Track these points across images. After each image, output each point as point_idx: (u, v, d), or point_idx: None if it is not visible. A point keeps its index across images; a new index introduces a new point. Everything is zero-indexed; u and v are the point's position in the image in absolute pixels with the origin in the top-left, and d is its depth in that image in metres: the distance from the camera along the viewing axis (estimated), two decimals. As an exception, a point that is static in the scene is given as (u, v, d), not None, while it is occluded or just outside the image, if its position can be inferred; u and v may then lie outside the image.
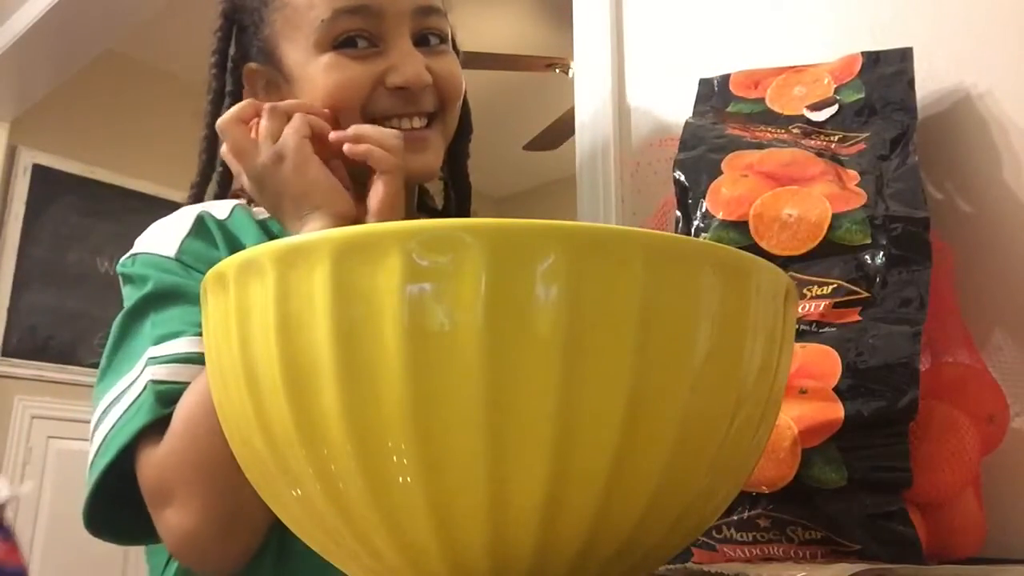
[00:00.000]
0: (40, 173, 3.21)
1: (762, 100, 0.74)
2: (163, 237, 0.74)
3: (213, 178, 0.83)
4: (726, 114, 0.73)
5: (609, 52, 1.06)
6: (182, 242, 0.73)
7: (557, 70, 3.13)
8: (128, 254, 0.75)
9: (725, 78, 0.77)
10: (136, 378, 0.67)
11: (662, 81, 1.01)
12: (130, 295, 0.72)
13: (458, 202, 0.91)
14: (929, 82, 0.77)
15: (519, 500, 0.33)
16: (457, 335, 0.32)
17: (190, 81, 3.41)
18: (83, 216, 3.28)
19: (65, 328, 3.14)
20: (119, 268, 0.76)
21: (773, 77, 0.75)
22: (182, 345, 0.66)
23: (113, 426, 0.66)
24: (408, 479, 0.33)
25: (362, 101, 0.73)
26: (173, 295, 0.70)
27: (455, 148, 0.87)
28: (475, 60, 2.93)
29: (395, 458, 0.33)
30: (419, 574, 0.36)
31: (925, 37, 0.78)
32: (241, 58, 0.80)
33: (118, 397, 0.67)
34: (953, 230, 0.73)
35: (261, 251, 0.35)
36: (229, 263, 0.37)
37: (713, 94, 0.77)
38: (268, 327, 0.35)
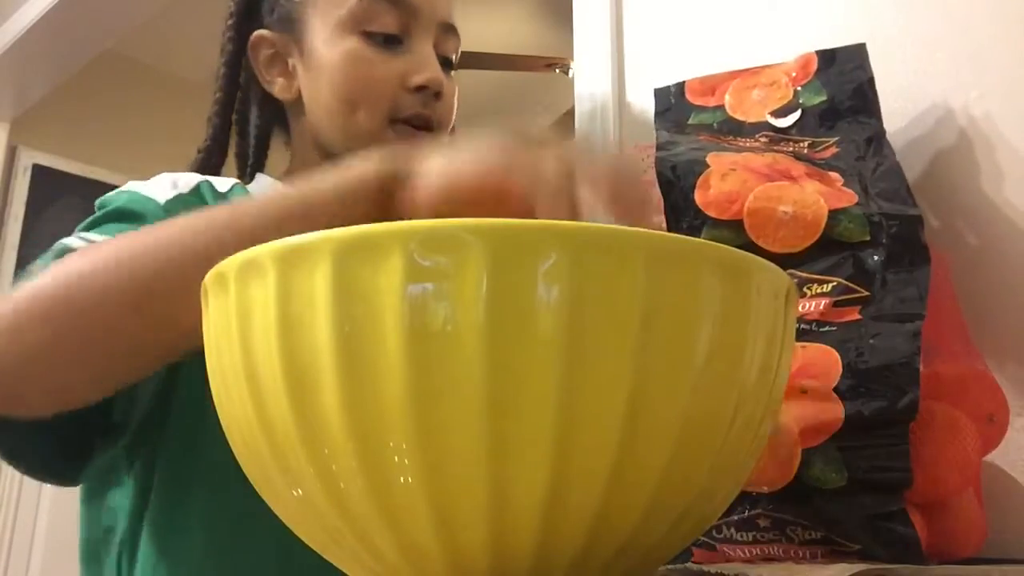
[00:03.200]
0: (40, 173, 3.21)
1: (722, 108, 0.73)
2: (159, 186, 0.70)
3: (229, 148, 0.81)
4: (689, 127, 0.73)
5: (609, 52, 1.06)
6: (174, 197, 0.69)
7: (557, 70, 3.13)
8: (115, 192, 0.70)
9: (680, 87, 0.76)
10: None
11: (662, 81, 1.01)
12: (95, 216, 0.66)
13: None
14: (927, 83, 0.77)
15: (520, 500, 0.33)
16: (458, 335, 0.32)
17: (190, 81, 3.41)
18: (83, 216, 3.28)
19: (65, 328, 3.12)
20: (98, 201, 0.69)
21: (729, 81, 0.74)
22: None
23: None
24: (409, 479, 0.33)
25: (388, 103, 0.72)
26: (137, 217, 0.64)
27: None
28: (475, 60, 2.93)
29: (396, 458, 0.33)
30: (420, 574, 0.36)
31: (925, 38, 0.78)
32: (252, 22, 0.79)
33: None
34: (951, 232, 0.73)
35: (262, 251, 0.35)
36: (230, 263, 0.37)
37: (671, 106, 0.76)
38: (269, 327, 0.34)
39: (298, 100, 0.76)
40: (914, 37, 0.79)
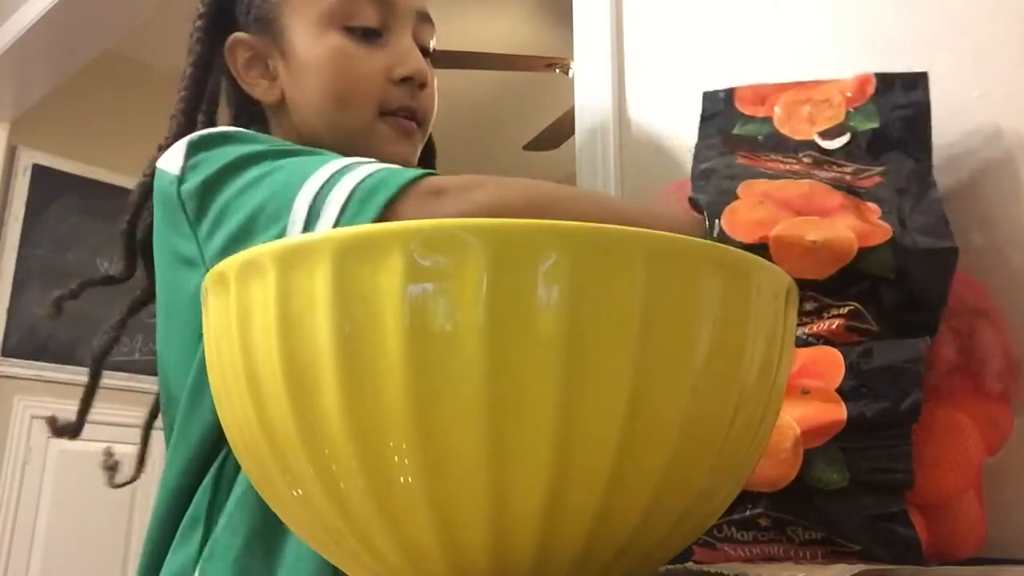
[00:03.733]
0: (40, 173, 3.22)
1: (770, 120, 0.71)
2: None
3: None
4: (733, 137, 0.71)
5: (609, 52, 1.06)
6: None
7: (557, 70, 3.13)
8: (199, 133, 0.68)
9: (730, 93, 0.74)
10: (347, 165, 0.60)
11: (662, 81, 1.01)
12: (236, 149, 0.64)
13: None
14: (929, 84, 0.77)
15: (520, 500, 0.33)
16: (459, 335, 0.32)
17: (190, 81, 3.40)
18: (83, 216, 3.29)
19: (65, 328, 3.13)
20: (193, 138, 0.67)
21: (780, 93, 0.72)
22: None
23: (371, 175, 0.58)
24: (409, 479, 0.33)
25: (378, 96, 0.73)
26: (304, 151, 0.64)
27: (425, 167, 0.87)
28: (475, 60, 2.94)
29: (396, 458, 0.33)
30: (420, 574, 0.36)
31: (926, 39, 0.78)
32: (225, 24, 0.78)
33: (339, 172, 0.59)
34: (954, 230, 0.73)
35: (262, 251, 0.35)
36: (230, 263, 0.37)
37: (719, 112, 0.74)
38: (269, 327, 0.34)
39: (281, 101, 0.76)
40: (914, 37, 0.79)
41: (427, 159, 0.89)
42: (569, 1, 1.15)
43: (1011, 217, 0.71)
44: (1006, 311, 0.67)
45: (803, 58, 0.77)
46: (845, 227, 0.58)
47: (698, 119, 0.75)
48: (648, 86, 1.03)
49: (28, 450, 2.97)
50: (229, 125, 0.82)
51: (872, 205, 0.61)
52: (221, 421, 0.40)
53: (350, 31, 0.72)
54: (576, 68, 1.11)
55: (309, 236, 0.34)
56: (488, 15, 3.38)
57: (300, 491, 0.36)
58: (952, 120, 0.75)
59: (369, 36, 0.73)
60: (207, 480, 0.65)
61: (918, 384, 0.54)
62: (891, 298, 0.58)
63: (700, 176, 0.67)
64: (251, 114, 0.81)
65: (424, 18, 0.77)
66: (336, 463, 0.34)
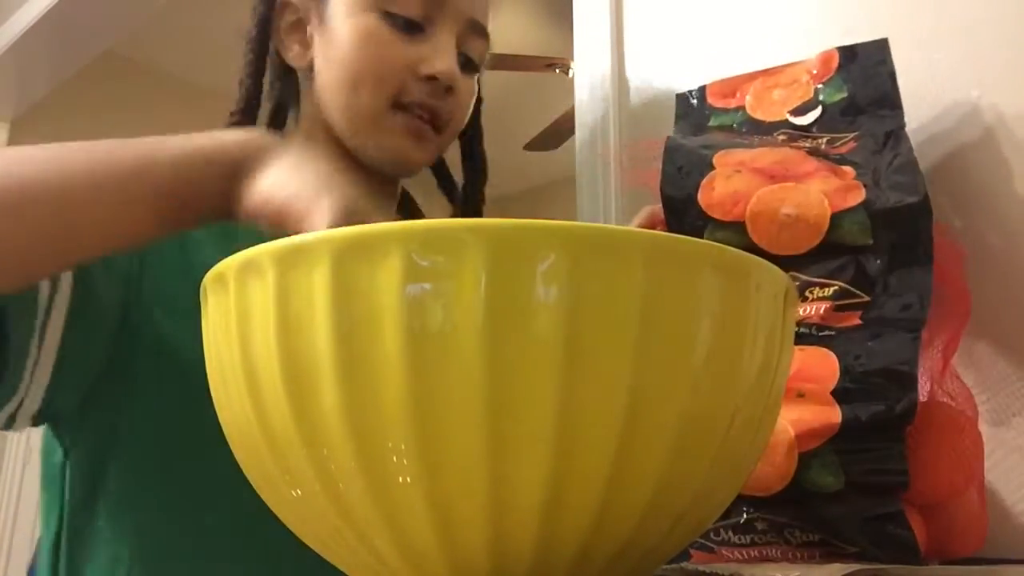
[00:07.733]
0: (40, 173, 3.21)
1: (742, 109, 0.72)
2: None
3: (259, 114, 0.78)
4: (708, 129, 0.72)
5: (609, 52, 1.06)
6: None
7: (557, 70, 3.13)
8: None
9: (702, 90, 0.75)
10: None
11: (662, 80, 1.02)
12: None
13: (470, 193, 0.86)
14: (927, 83, 0.77)
15: (519, 500, 0.33)
16: (457, 335, 0.32)
17: (190, 81, 3.41)
18: (83, 216, 3.28)
19: (65, 328, 3.13)
20: None
21: (750, 82, 0.73)
22: None
23: None
24: (408, 479, 0.33)
25: (395, 85, 0.70)
26: None
27: (472, 151, 0.85)
28: (475, 60, 2.93)
29: (395, 458, 0.33)
30: (419, 574, 0.36)
31: (926, 45, 0.78)
32: None
33: None
34: (953, 229, 0.73)
35: (261, 251, 0.35)
36: (229, 263, 0.37)
37: (692, 110, 0.75)
38: (268, 327, 0.34)
39: (310, 70, 0.74)
40: (914, 36, 0.79)
41: (475, 182, 0.87)
42: (569, 1, 1.15)
43: (1013, 215, 0.71)
44: (983, 293, 0.68)
45: (805, 56, 0.78)
46: (818, 193, 0.59)
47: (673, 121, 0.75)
48: (648, 85, 1.03)
49: (28, 450, 2.97)
50: (277, 93, 0.80)
51: (847, 168, 0.61)
52: (221, 421, 0.40)
53: (389, 16, 0.69)
54: (576, 68, 1.11)
55: (308, 236, 0.34)
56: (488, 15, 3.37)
57: (300, 491, 0.36)
58: (951, 120, 0.75)
59: (407, 27, 0.70)
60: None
61: (913, 386, 0.54)
62: (874, 264, 0.58)
63: (668, 158, 0.66)
64: (285, 82, 0.78)
65: (475, 28, 0.74)
66: (335, 463, 0.34)
